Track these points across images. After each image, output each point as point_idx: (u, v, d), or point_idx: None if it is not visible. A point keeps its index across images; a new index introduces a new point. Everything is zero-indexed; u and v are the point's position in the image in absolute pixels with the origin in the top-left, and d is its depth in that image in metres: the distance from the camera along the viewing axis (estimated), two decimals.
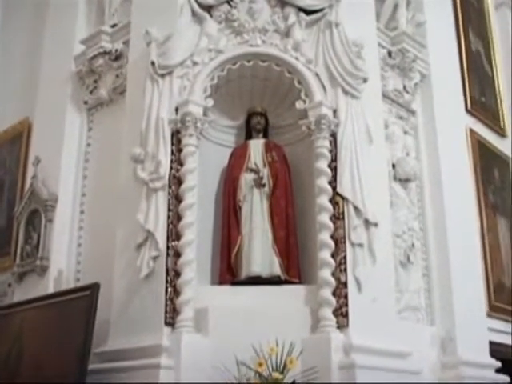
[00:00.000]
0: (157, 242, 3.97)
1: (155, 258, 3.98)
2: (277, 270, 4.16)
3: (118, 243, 4.21)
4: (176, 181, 4.10)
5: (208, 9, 4.46)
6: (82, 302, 3.91)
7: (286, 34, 4.43)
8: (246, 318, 3.85)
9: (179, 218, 4.02)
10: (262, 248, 4.19)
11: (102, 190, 4.74)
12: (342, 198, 4.08)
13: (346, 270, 3.96)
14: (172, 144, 4.15)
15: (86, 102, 5.05)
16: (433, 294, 4.82)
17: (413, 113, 5.21)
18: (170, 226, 4.01)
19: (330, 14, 4.40)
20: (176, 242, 3.98)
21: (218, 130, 4.56)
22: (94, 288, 3.89)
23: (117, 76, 4.93)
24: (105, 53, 4.94)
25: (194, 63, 4.32)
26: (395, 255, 4.56)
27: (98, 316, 3.82)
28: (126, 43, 4.85)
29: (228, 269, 4.22)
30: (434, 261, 4.88)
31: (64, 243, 4.77)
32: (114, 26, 5.04)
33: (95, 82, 5.03)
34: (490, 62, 6.63)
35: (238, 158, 4.43)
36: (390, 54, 5.08)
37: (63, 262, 4.72)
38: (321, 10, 4.44)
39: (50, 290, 4.60)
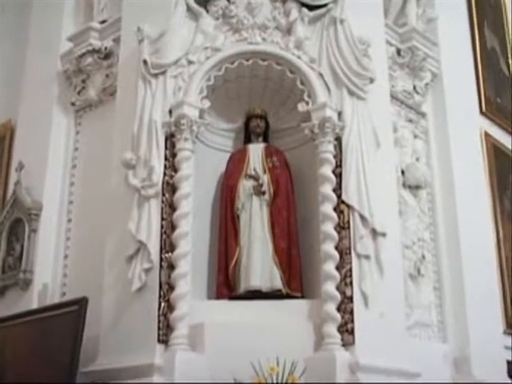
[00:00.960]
0: (149, 254, 4.03)
1: (147, 271, 4.03)
2: (278, 283, 4.22)
3: (108, 255, 4.27)
4: (170, 188, 4.16)
5: (204, 4, 4.52)
6: (69, 317, 3.96)
7: (288, 30, 4.49)
8: (244, 335, 3.89)
9: (173, 227, 4.07)
10: (262, 260, 4.24)
11: (90, 198, 4.79)
12: (348, 206, 4.13)
13: (351, 283, 4.01)
14: (166, 148, 4.21)
15: (73, 104, 5.12)
16: (445, 310, 4.87)
17: (423, 115, 5.27)
18: (164, 237, 4.07)
19: (334, 9, 4.47)
20: (170, 254, 4.04)
21: (214, 133, 4.63)
22: (81, 303, 3.93)
23: (106, 76, 5.00)
24: (93, 51, 5.01)
25: (190, 62, 4.38)
26: (404, 267, 4.61)
27: (85, 333, 3.87)
28: (117, 40, 4.92)
29: (225, 282, 4.27)
30: (446, 274, 4.94)
31: (49, 255, 4.82)
32: (103, 22, 5.11)
33: (83, 81, 5.10)
34: (506, 60, 6.66)
35: (236, 163, 4.49)
36: (398, 52, 5.14)
37: (48, 274, 4.78)
38: (325, 5, 4.50)
39: (35, 305, 4.64)
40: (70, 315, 3.95)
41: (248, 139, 4.62)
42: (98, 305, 4.12)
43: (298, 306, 4.09)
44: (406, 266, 4.70)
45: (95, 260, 4.41)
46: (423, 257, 4.87)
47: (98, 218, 4.55)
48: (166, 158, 4.20)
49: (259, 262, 4.23)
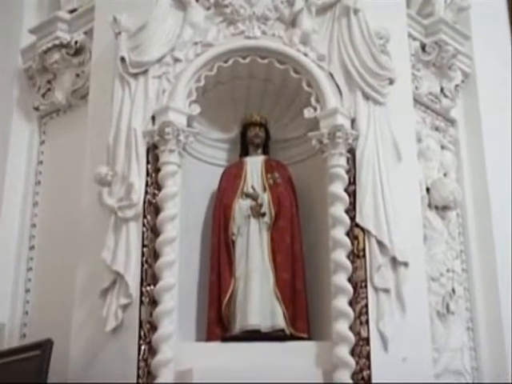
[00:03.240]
0: (127, 287, 4.10)
1: (125, 307, 4.10)
2: (280, 322, 4.28)
3: (78, 288, 4.35)
4: (152, 209, 4.25)
5: None
6: (30, 364, 4.02)
7: (292, 22, 4.61)
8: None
9: (156, 255, 4.15)
10: (262, 294, 4.31)
11: (56, 221, 4.88)
12: (363, 230, 4.22)
13: (367, 322, 4.09)
14: (147, 162, 4.31)
15: (36, 108, 5.23)
16: (480, 354, 4.94)
17: (453, 122, 5.39)
18: (145, 266, 4.16)
19: None
20: (152, 287, 4.12)
21: (205, 144, 4.74)
22: (45, 346, 4.00)
23: (77, 75, 5.10)
24: (61, 45, 5.11)
25: (176, 60, 4.49)
26: (431, 304, 4.69)
27: (50, 381, 3.94)
28: (89, 34, 5.03)
29: (218, 321, 4.34)
30: (480, 311, 5.02)
31: (7, 288, 4.90)
32: (73, 11, 5.21)
33: (49, 82, 5.21)
34: None
35: (231, 179, 4.58)
36: (423, 47, 5.25)
37: (6, 312, 4.85)
38: None
39: None
40: (32, 361, 4.02)
41: (245, 151, 4.73)
42: (65, 348, 4.20)
43: (305, 349, 4.16)
44: (433, 301, 4.78)
45: (62, 295, 4.51)
46: (453, 291, 4.94)
47: (66, 245, 4.65)
48: (147, 174, 4.29)
49: (258, 297, 4.29)
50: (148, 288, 4.12)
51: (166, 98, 4.40)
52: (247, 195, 4.52)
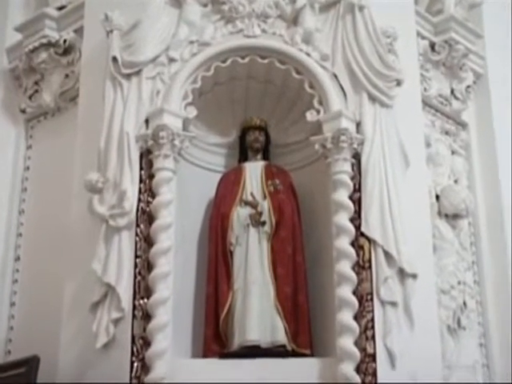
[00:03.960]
0: (119, 300, 4.12)
1: (117, 322, 4.12)
2: (281, 337, 4.30)
3: (67, 301, 4.37)
4: (146, 217, 4.28)
5: None
6: (16, 382, 4.06)
7: (294, 20, 4.65)
8: None
9: (150, 267, 4.18)
10: (261, 308, 4.33)
11: (44, 230, 4.91)
12: (369, 240, 4.25)
13: (373, 337, 4.11)
14: (141, 168, 4.34)
15: (23, 111, 5.27)
16: (494, 371, 4.97)
17: (464, 126, 5.43)
18: (138, 278, 4.18)
19: None
20: (145, 300, 4.14)
21: (202, 149, 4.77)
22: (31, 363, 4.05)
23: (66, 76, 5.13)
24: (49, 44, 5.14)
25: (171, 60, 4.52)
26: (441, 318, 4.73)
27: None
28: (79, 32, 5.07)
29: (215, 336, 4.36)
30: (494, 326, 5.05)
31: None
32: (61, 8, 5.25)
33: (36, 83, 5.25)
34: None
35: (229, 186, 4.61)
36: (433, 46, 5.30)
37: None
38: None
39: None
40: (18, 379, 4.07)
41: (244, 156, 4.76)
42: (52, 365, 4.22)
43: (307, 366, 4.17)
44: (443, 316, 4.81)
45: (50, 309, 4.53)
46: (464, 305, 4.98)
47: (53, 256, 4.68)
48: (141, 180, 4.32)
49: (257, 311, 4.31)
50: (141, 301, 4.14)
51: (161, 100, 4.43)
52: (246, 203, 4.55)
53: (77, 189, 4.49)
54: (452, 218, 5.11)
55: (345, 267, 4.16)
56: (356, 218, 4.27)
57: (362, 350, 4.08)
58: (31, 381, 4.00)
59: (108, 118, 4.42)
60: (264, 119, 4.75)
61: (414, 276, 4.25)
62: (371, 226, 4.25)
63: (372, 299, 4.16)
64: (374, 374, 4.04)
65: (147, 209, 4.29)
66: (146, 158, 4.36)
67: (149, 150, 4.35)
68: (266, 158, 4.75)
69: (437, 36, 5.30)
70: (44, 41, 5.13)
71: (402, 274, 4.24)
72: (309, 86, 4.54)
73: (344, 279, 4.14)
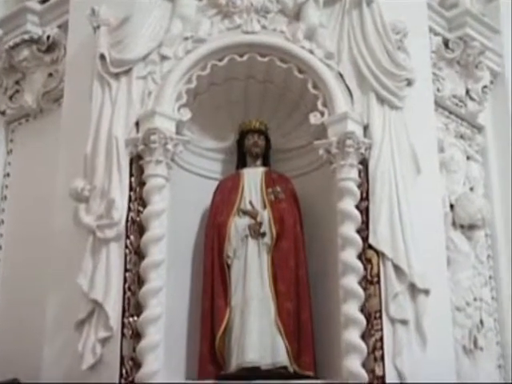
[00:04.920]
0: (107, 318, 4.13)
1: (105, 341, 4.14)
2: (282, 358, 4.31)
3: (50, 319, 4.38)
4: (136, 228, 4.31)
5: None
6: None
7: (296, 15, 4.68)
8: None
9: (141, 281, 4.20)
10: (261, 326, 4.34)
11: (25, 242, 4.93)
12: (377, 253, 4.28)
13: (382, 357, 4.13)
14: (131, 175, 4.37)
15: (3, 113, 5.31)
16: None
17: (480, 129, 5.47)
18: (127, 294, 4.20)
19: None
20: (135, 318, 4.16)
21: (197, 154, 4.80)
22: None
23: (49, 75, 5.17)
24: (31, 41, 5.18)
25: (163, 57, 4.56)
26: (456, 337, 4.74)
27: None
28: (63, 27, 5.10)
29: (211, 356, 4.37)
30: None
31: None
32: (44, 1, 5.28)
33: (17, 83, 5.30)
34: None
35: (226, 194, 4.63)
36: (446, 43, 5.34)
37: None
38: None
39: None
40: None
41: (242, 162, 4.79)
42: None
43: None
44: (458, 335, 4.84)
45: (32, 327, 4.56)
46: (481, 323, 5.01)
47: (36, 270, 4.71)
48: (130, 188, 4.35)
49: (257, 330, 4.33)
50: (131, 319, 4.16)
51: (152, 101, 4.46)
52: (245, 212, 4.58)
53: (61, 197, 4.50)
54: (467, 228, 5.14)
55: (351, 282, 4.18)
56: (363, 229, 4.30)
57: (370, 371, 4.10)
58: None
59: (95, 121, 4.45)
60: (264, 122, 4.78)
61: (427, 292, 4.27)
62: (380, 238, 4.27)
63: (381, 317, 4.19)
64: None
65: (137, 219, 4.32)
66: (137, 164, 4.39)
67: (139, 156, 4.37)
68: (265, 163, 4.79)
69: (451, 32, 5.34)
70: (26, 37, 5.16)
71: (414, 289, 4.26)
72: (312, 86, 4.57)
73: (350, 295, 4.16)
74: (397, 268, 4.24)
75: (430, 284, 4.27)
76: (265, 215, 4.55)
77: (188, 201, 4.64)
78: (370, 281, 4.25)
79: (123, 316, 4.15)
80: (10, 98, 5.29)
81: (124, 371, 4.08)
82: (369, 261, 4.28)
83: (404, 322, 4.21)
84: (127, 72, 4.52)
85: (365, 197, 4.36)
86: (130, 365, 4.10)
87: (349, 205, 4.30)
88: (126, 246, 4.26)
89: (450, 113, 5.32)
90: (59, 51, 5.14)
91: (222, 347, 4.37)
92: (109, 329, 4.13)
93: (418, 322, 4.24)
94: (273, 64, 4.63)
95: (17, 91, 5.28)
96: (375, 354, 4.14)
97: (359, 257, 4.24)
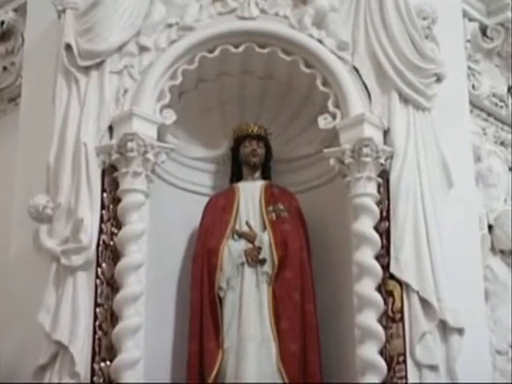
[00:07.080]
0: (73, 363, 4.12)
1: None
2: None
3: (5, 364, 4.41)
4: (110, 254, 4.33)
5: None
6: None
7: None
8: None
9: (115, 318, 4.21)
10: (260, 372, 4.36)
11: None
12: (400, 284, 4.28)
13: None
14: (103, 190, 4.38)
15: None
16: None
17: None
18: (98, 334, 4.21)
19: None
20: (108, 363, 4.18)
21: (183, 164, 4.84)
22: None
23: (4, 69, 5.26)
24: None
25: (142, 48, 4.60)
26: None
27: None
28: (20, 11, 5.18)
29: None
30: None
31: None
32: None
33: None
34: None
35: (218, 213, 4.66)
36: (484, 31, 5.38)
37: None
38: None
39: None
40: None
41: (237, 174, 4.83)
42: None
43: None
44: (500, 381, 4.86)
45: None
46: None
47: None
48: (103, 206, 4.37)
49: (255, 376, 4.33)
50: (102, 364, 4.19)
51: (129, 100, 4.49)
52: (240, 235, 4.61)
53: (18, 216, 4.55)
54: (509, 254, 5.18)
55: (369, 319, 4.19)
56: (383, 255, 4.32)
57: None
58: None
59: (60, 125, 4.47)
60: (263, 126, 4.81)
61: (461, 331, 4.28)
62: (403, 266, 4.27)
63: (405, 361, 4.19)
64: None
65: (111, 243, 4.35)
66: (110, 177, 4.41)
67: (113, 167, 4.40)
68: (265, 176, 4.82)
69: (489, 17, 5.39)
70: None
71: (445, 328, 4.27)
72: (322, 83, 4.60)
73: (368, 335, 4.17)
74: (424, 302, 4.24)
75: (465, 322, 4.27)
76: (264, 238, 4.58)
77: (172, 221, 4.68)
78: (391, 318, 4.27)
79: (93, 361, 4.16)
80: None
81: None
82: (390, 293, 4.29)
83: (433, 368, 4.21)
84: (99, 65, 4.55)
85: (385, 216, 4.38)
86: None
87: (366, 226, 4.31)
88: (97, 276, 4.28)
89: (489, 115, 5.37)
90: (16, 40, 5.22)
91: None
92: (75, 376, 4.13)
93: (449, 367, 4.24)
94: (274, 56, 4.66)
95: None
96: None
97: (378, 289, 4.26)
